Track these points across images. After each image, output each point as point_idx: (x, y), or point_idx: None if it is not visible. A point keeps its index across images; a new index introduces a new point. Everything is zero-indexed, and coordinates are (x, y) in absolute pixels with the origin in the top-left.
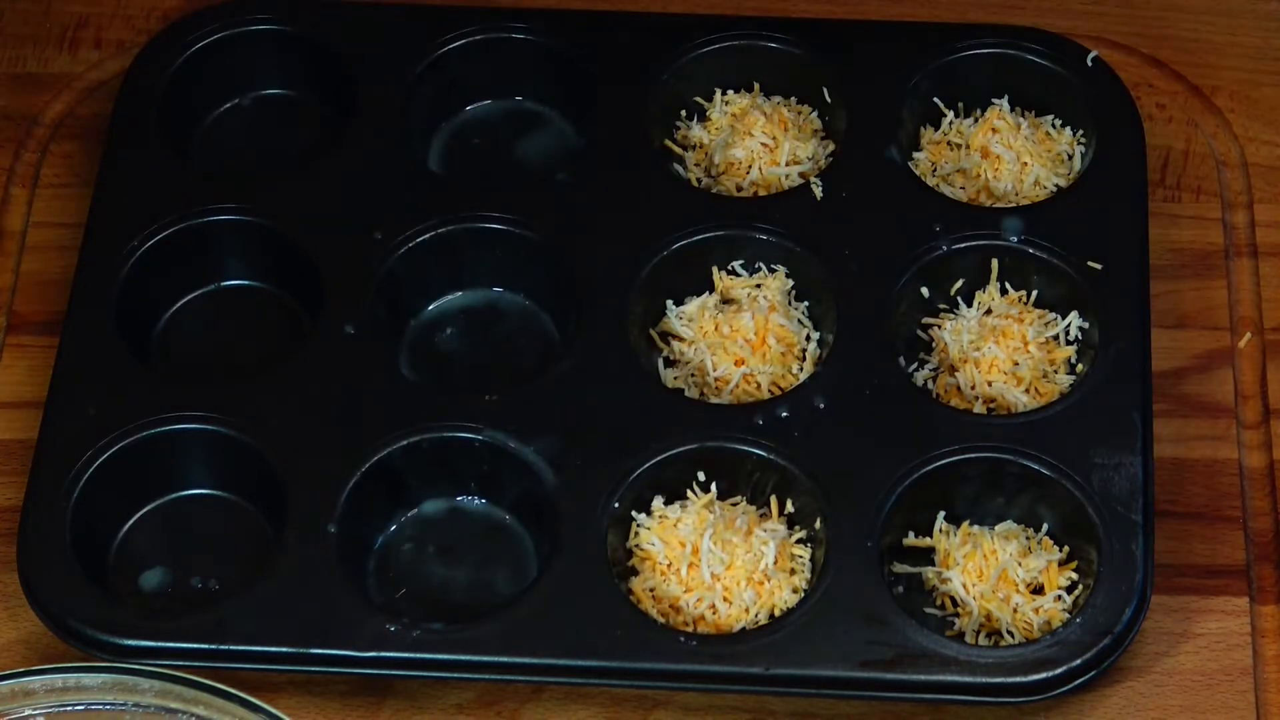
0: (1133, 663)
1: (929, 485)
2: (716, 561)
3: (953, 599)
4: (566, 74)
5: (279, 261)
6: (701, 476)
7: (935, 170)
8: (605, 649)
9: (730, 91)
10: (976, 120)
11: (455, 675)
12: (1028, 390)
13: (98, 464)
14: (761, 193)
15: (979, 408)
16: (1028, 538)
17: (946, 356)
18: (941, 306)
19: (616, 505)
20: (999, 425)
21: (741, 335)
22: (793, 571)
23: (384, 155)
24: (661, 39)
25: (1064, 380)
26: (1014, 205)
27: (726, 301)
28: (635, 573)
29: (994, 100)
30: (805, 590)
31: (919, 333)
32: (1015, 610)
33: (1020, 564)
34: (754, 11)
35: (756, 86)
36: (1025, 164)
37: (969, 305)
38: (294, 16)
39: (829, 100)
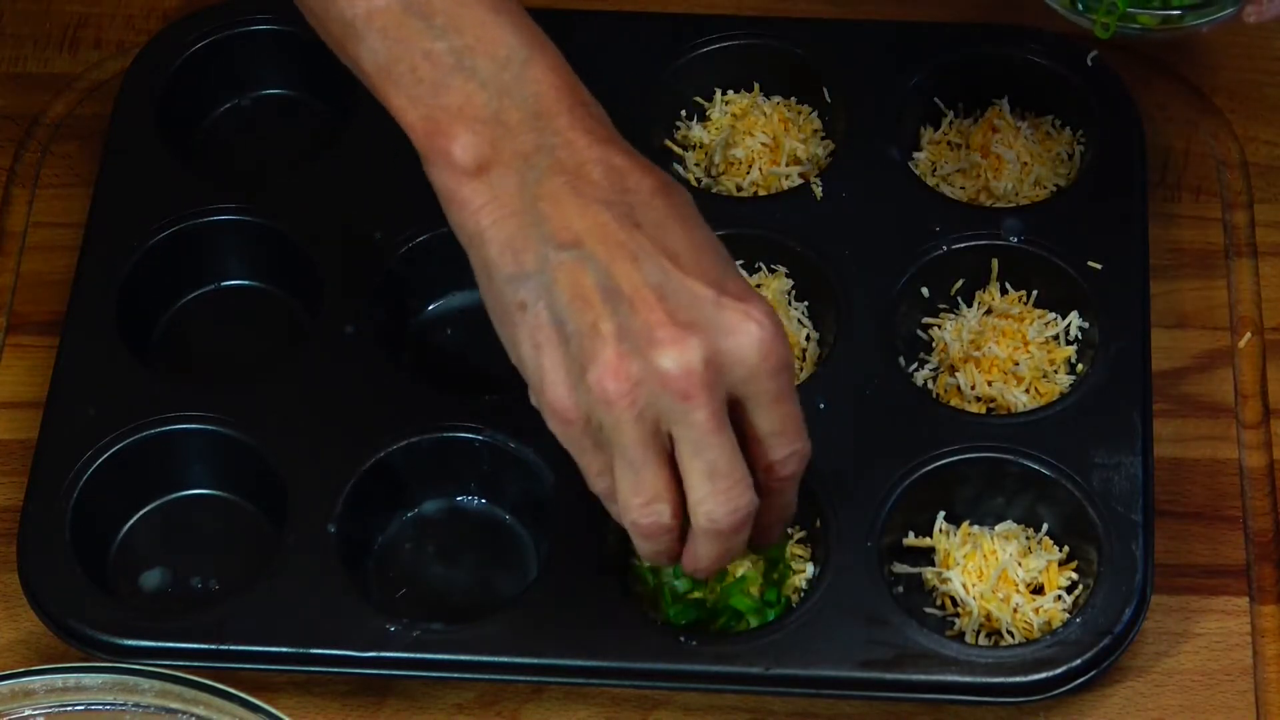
0: (1133, 663)
1: (929, 485)
2: None
3: (953, 599)
4: None
5: (279, 261)
6: None
7: (935, 170)
8: (605, 649)
9: (730, 91)
10: (976, 120)
11: (455, 675)
12: (1028, 390)
13: (98, 464)
14: (761, 193)
15: (979, 408)
16: (1028, 538)
17: (946, 356)
18: (941, 306)
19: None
20: (999, 425)
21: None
22: (793, 571)
23: (384, 155)
24: (661, 39)
25: (1064, 380)
26: (1014, 205)
27: None
28: None
29: (994, 100)
30: (805, 590)
31: (919, 333)
32: (1015, 610)
33: (1020, 564)
34: (754, 11)
35: (756, 86)
36: (1025, 164)
37: (969, 305)
38: (294, 16)
39: (829, 100)
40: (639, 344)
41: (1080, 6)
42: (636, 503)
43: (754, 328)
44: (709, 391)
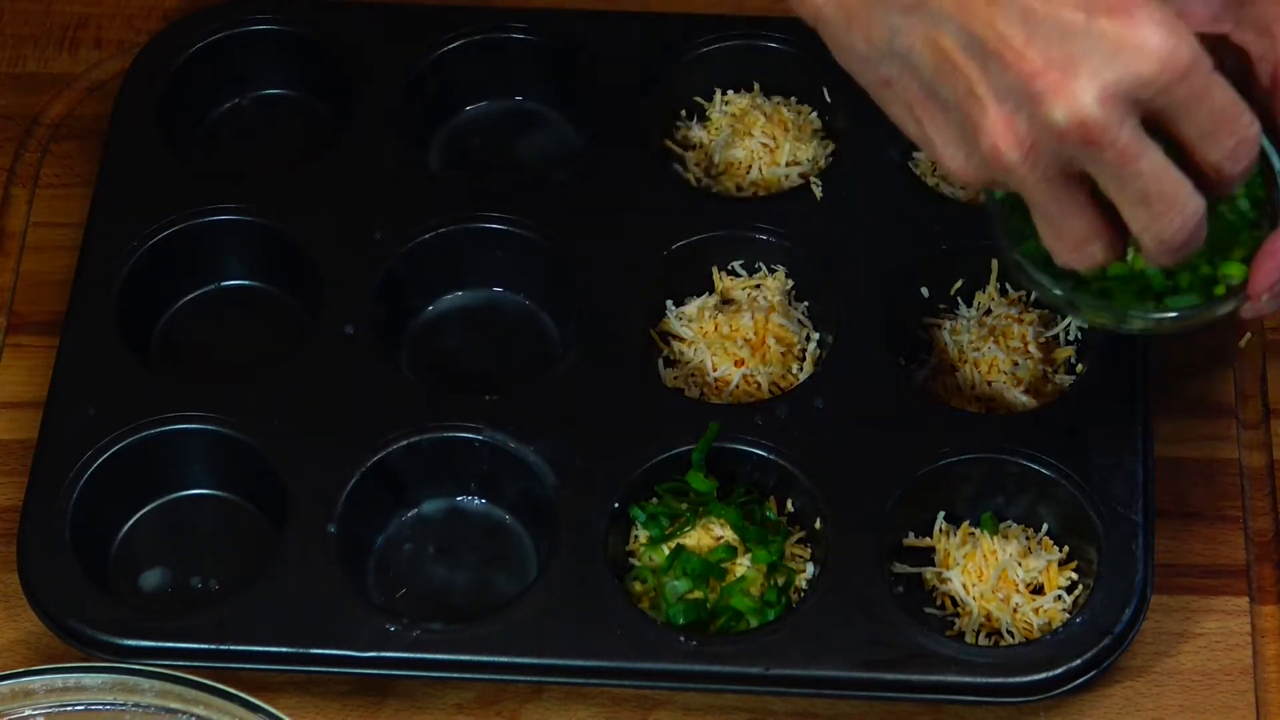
0: (1133, 663)
1: (929, 485)
2: None
3: (953, 599)
4: (566, 74)
5: (279, 261)
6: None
7: (935, 170)
8: (605, 649)
9: (730, 91)
10: None
11: (455, 675)
12: (1028, 390)
13: (98, 464)
14: (761, 193)
15: (979, 408)
16: (1028, 538)
17: (946, 356)
18: (941, 306)
19: (616, 505)
20: (999, 425)
21: (741, 335)
22: (793, 571)
23: (384, 155)
24: (661, 39)
25: (1064, 380)
26: None
27: (726, 301)
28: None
29: None
30: (805, 590)
31: (919, 333)
32: (1015, 610)
33: (1020, 564)
34: (754, 11)
35: (756, 86)
36: None
37: (969, 305)
38: (294, 16)
39: (829, 100)
40: (1020, 100)
41: (1072, 304)
42: (1063, 248)
43: (1141, 41)
44: (1113, 130)
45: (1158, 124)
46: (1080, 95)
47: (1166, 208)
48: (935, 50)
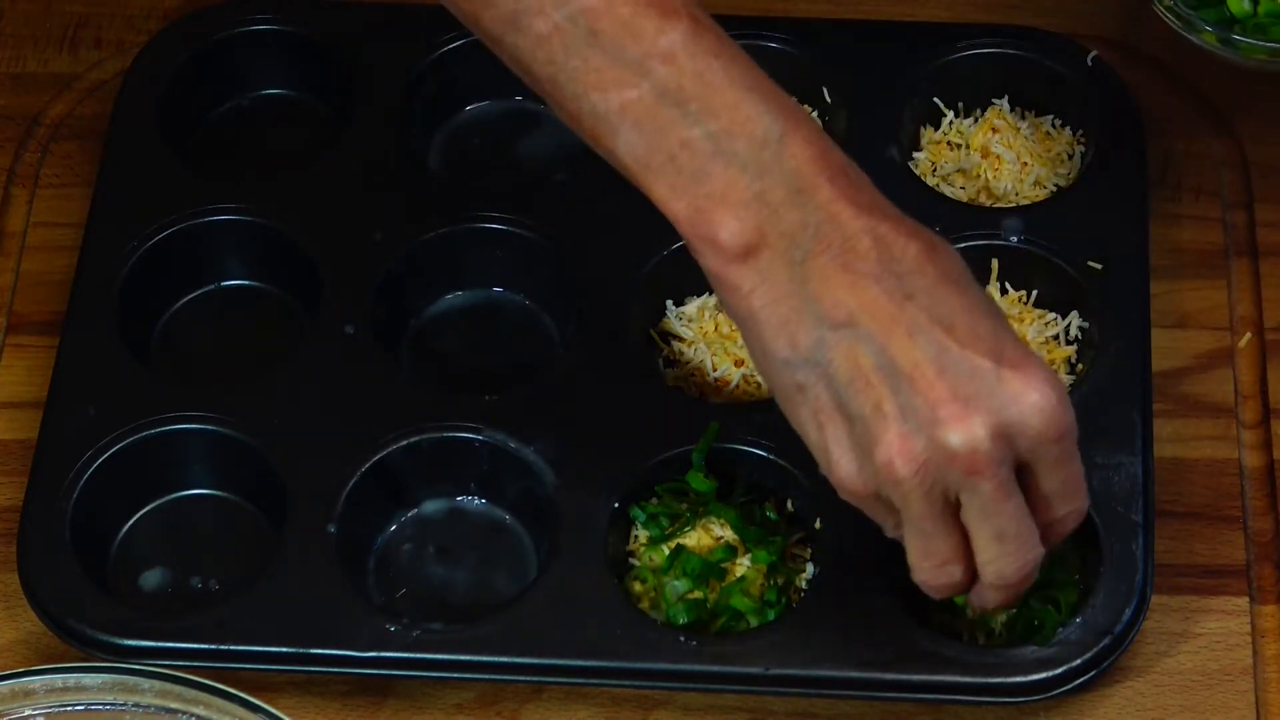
0: (1133, 663)
1: None
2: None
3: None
4: None
5: (279, 261)
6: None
7: (935, 170)
8: (605, 649)
9: None
10: (976, 120)
11: (455, 675)
12: None
13: (98, 464)
14: None
15: None
16: None
17: None
18: None
19: (616, 505)
20: None
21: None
22: (793, 571)
23: (384, 155)
24: None
25: (1064, 380)
26: (1014, 205)
27: None
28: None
29: (994, 100)
30: (805, 590)
31: None
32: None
33: None
34: (754, 11)
35: None
36: (1025, 164)
37: None
38: (294, 16)
39: (829, 100)
40: (922, 422)
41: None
42: (927, 565)
43: (1036, 397)
44: (995, 465)
45: (1020, 473)
46: (976, 428)
47: (1015, 549)
48: (853, 365)
